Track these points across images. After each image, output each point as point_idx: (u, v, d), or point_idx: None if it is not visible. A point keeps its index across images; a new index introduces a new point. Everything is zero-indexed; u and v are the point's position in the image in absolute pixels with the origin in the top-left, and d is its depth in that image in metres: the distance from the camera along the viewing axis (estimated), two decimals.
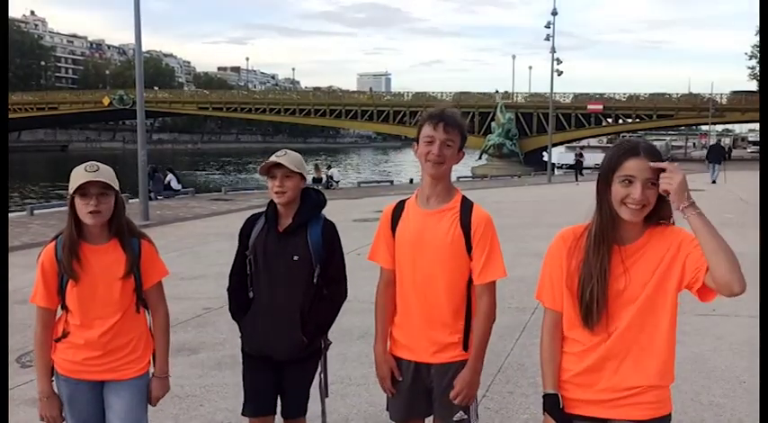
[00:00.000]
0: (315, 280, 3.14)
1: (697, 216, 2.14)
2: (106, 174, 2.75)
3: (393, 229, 2.87)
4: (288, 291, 3.14)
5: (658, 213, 2.26)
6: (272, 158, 3.12)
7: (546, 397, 2.37)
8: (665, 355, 2.31)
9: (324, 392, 3.31)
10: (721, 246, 2.10)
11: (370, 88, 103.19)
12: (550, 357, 2.39)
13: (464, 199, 2.80)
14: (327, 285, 3.19)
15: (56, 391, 2.88)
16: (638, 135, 72.49)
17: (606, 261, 2.27)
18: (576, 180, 34.75)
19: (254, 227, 3.25)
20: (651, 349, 2.28)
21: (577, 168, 37.02)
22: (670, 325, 2.29)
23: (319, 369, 3.28)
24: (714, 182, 27.20)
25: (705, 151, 62.92)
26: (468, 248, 2.73)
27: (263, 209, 3.29)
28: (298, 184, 3.13)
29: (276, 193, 3.10)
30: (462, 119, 2.80)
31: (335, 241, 3.22)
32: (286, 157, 3.12)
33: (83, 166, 2.76)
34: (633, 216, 2.22)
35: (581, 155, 39.73)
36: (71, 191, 2.71)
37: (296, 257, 3.11)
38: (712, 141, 53.72)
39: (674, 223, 2.30)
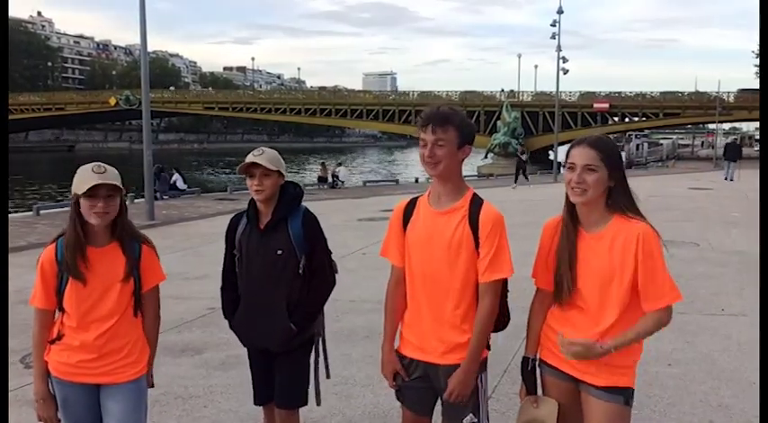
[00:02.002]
0: (300, 271, 3.20)
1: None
2: (113, 175, 2.74)
3: (404, 226, 2.85)
4: (275, 285, 3.19)
5: (616, 201, 2.57)
6: (249, 158, 3.16)
7: (522, 359, 2.80)
8: (618, 328, 2.55)
9: (324, 373, 3.40)
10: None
11: (395, 87, 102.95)
12: (532, 328, 2.82)
13: (474, 197, 2.76)
14: (313, 275, 3.24)
15: (52, 392, 2.86)
16: (645, 133, 72.29)
17: (573, 247, 2.61)
18: (515, 182, 27.81)
19: (237, 227, 3.32)
20: (597, 324, 2.57)
21: (519, 170, 28.99)
22: (628, 305, 2.55)
23: (314, 356, 3.36)
24: (731, 179, 28.14)
25: (711, 150, 62.79)
26: (478, 247, 2.69)
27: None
28: (276, 181, 3.17)
29: (255, 191, 3.15)
30: (457, 115, 2.72)
31: (317, 231, 3.27)
32: (263, 155, 3.15)
33: (89, 166, 2.74)
34: (575, 197, 2.56)
35: (523, 152, 31.56)
36: (79, 192, 2.68)
37: (279, 252, 3.17)
38: (720, 140, 53.50)
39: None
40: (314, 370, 3.39)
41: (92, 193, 2.66)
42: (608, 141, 2.65)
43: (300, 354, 3.30)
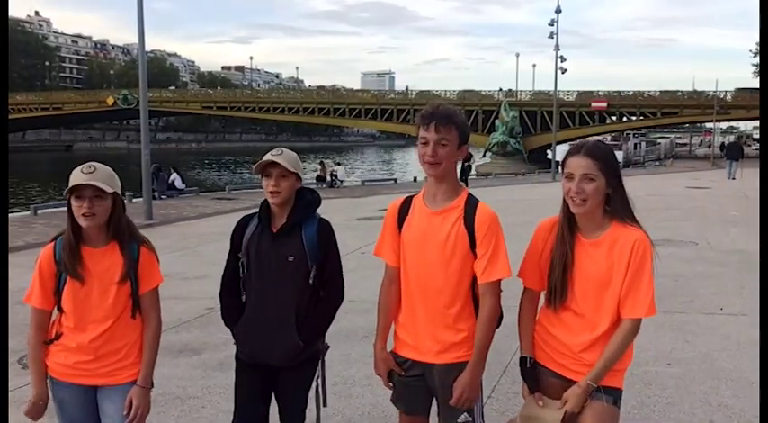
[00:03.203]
0: (310, 281, 3.04)
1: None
2: (101, 176, 2.68)
3: (399, 225, 2.83)
4: (282, 293, 3.03)
5: (614, 208, 2.59)
6: (268, 157, 3.00)
7: (520, 359, 2.80)
8: (606, 334, 2.60)
9: (321, 400, 3.20)
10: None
11: (407, 87, 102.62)
12: (524, 327, 2.81)
13: (469, 197, 2.75)
14: (323, 286, 3.09)
15: (50, 394, 2.85)
16: (643, 132, 72.28)
17: (569, 252, 2.62)
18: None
19: (246, 228, 3.13)
20: (593, 329, 2.62)
21: (464, 174, 27.88)
22: (615, 312, 2.59)
23: (317, 374, 3.17)
24: (734, 178, 28.51)
25: (708, 149, 62.75)
26: (473, 247, 2.68)
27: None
28: (293, 184, 3.01)
29: (271, 192, 2.98)
30: (458, 114, 2.71)
31: (331, 241, 3.11)
32: (282, 156, 3.00)
33: (81, 166, 2.71)
34: (575, 208, 2.56)
35: (469, 157, 29.51)
36: (65, 192, 2.67)
37: (291, 258, 3.01)
38: (717, 138, 53.53)
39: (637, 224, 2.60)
40: (315, 394, 3.19)
41: (78, 193, 2.64)
42: (604, 148, 2.66)
43: (306, 369, 3.12)
